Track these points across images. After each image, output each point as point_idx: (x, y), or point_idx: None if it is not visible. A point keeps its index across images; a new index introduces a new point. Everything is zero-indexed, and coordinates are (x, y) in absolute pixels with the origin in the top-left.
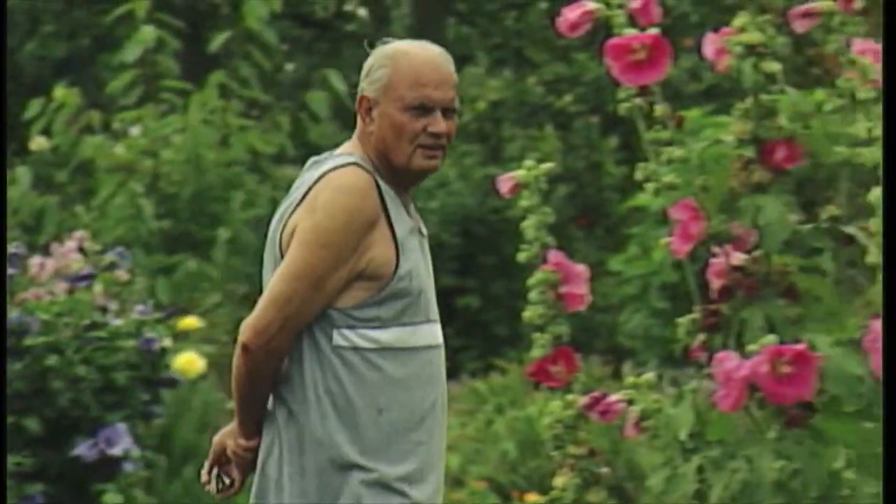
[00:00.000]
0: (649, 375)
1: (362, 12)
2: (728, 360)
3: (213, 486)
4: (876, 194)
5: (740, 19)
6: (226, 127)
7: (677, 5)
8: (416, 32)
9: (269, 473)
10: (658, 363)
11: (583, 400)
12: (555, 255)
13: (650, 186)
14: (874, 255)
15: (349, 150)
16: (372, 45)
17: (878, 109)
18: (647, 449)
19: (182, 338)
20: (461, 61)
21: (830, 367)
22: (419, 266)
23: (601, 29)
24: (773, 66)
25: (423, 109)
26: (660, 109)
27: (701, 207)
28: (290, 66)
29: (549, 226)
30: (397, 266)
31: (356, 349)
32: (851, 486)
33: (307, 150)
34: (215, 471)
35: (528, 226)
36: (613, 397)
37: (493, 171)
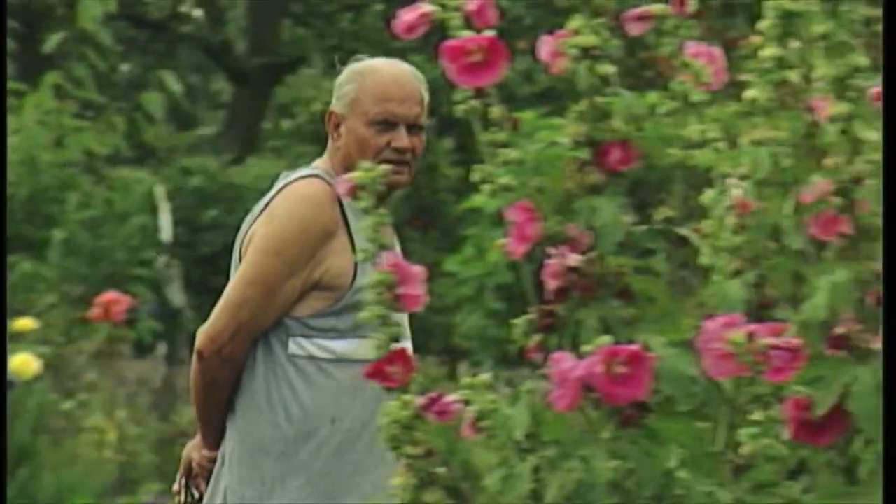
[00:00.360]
0: (485, 376)
1: (198, 13)
2: (563, 361)
3: (181, 498)
4: (709, 196)
5: (575, 22)
6: (60, 128)
7: (511, 8)
8: (251, 34)
9: (220, 482)
10: (494, 364)
11: (420, 400)
12: (391, 256)
13: (486, 188)
14: (707, 257)
15: (318, 164)
16: (344, 62)
17: (712, 111)
18: (483, 449)
19: (17, 339)
20: (296, 63)
21: (664, 367)
22: None
23: (436, 31)
24: (608, 69)
25: (387, 125)
26: (496, 111)
27: (536, 209)
28: (125, 67)
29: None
30: (354, 278)
31: (311, 358)
32: (685, 485)
33: (142, 150)
34: (184, 483)
35: (366, 227)
36: (450, 398)
37: None
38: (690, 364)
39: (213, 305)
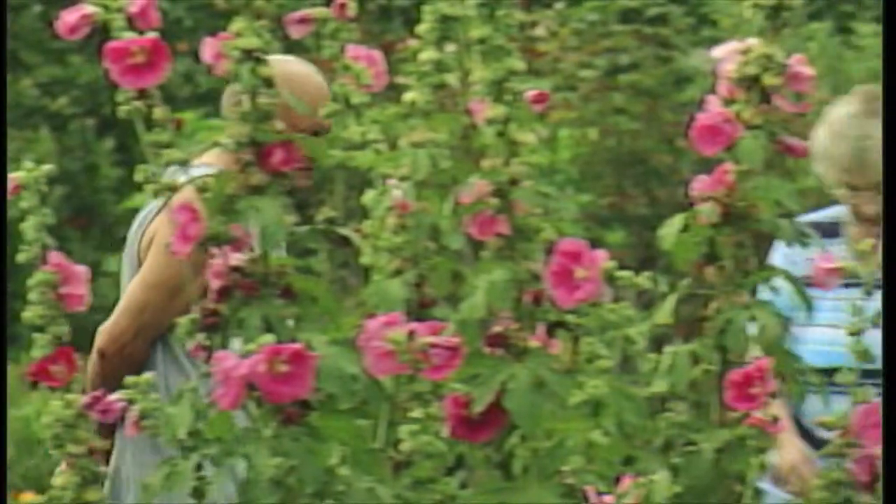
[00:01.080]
0: (149, 375)
1: None
2: (226, 360)
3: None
4: (369, 197)
5: (237, 24)
6: None
7: (172, 10)
8: None
9: (122, 475)
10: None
11: (83, 399)
12: (54, 256)
13: (149, 188)
14: (367, 256)
15: (216, 160)
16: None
17: (372, 113)
18: None
19: None
20: None
21: (326, 365)
22: None
23: (97, 32)
24: (269, 71)
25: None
26: (158, 112)
27: (200, 209)
28: None
29: (48, 227)
30: None
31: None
32: (346, 481)
33: None
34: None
35: (28, 227)
36: (113, 396)
37: None
38: (352, 362)
39: None
